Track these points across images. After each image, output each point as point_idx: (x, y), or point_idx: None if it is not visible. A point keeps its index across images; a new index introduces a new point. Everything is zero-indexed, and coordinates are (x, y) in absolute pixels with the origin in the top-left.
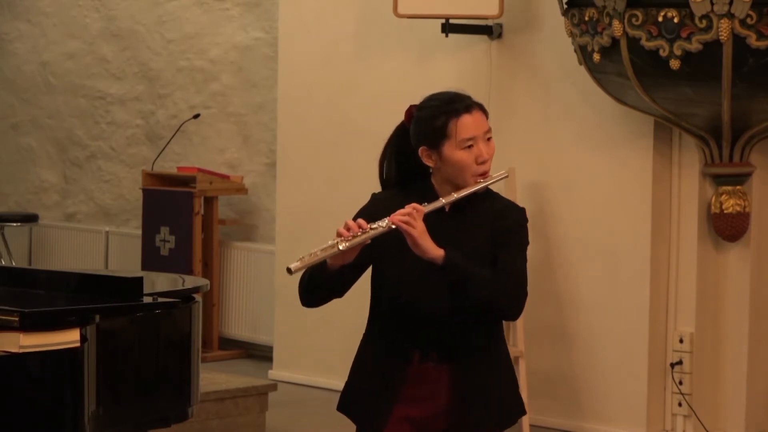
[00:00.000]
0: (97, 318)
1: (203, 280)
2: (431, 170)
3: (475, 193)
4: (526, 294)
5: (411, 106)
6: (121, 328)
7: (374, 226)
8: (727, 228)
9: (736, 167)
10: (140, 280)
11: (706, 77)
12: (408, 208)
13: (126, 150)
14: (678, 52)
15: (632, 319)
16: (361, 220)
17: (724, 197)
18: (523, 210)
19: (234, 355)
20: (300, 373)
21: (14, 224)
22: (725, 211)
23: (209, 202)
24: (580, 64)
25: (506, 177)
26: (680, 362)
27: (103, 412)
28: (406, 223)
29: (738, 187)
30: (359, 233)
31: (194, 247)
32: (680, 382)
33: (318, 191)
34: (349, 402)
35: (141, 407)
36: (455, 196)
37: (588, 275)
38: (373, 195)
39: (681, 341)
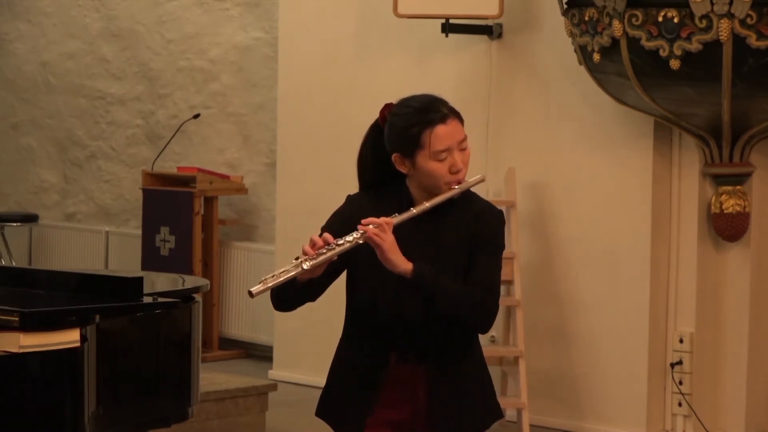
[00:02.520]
0: (97, 318)
1: (203, 280)
2: (406, 175)
3: (450, 198)
4: (497, 306)
5: (386, 106)
6: (121, 328)
7: (341, 241)
8: (727, 228)
9: (736, 167)
10: (140, 280)
11: (706, 77)
12: (377, 221)
13: (126, 150)
14: (678, 52)
15: (632, 319)
16: (327, 236)
17: (724, 197)
18: (500, 212)
19: (234, 355)
20: (300, 373)
21: (14, 224)
22: (725, 211)
23: (209, 202)
24: (580, 64)
25: (482, 181)
26: (680, 362)
27: (103, 412)
28: (375, 236)
29: (738, 187)
30: (325, 250)
31: (194, 247)
32: (680, 382)
33: (318, 191)
34: (327, 407)
35: (141, 407)
36: (427, 205)
37: (588, 275)
38: (349, 196)
39: (681, 341)
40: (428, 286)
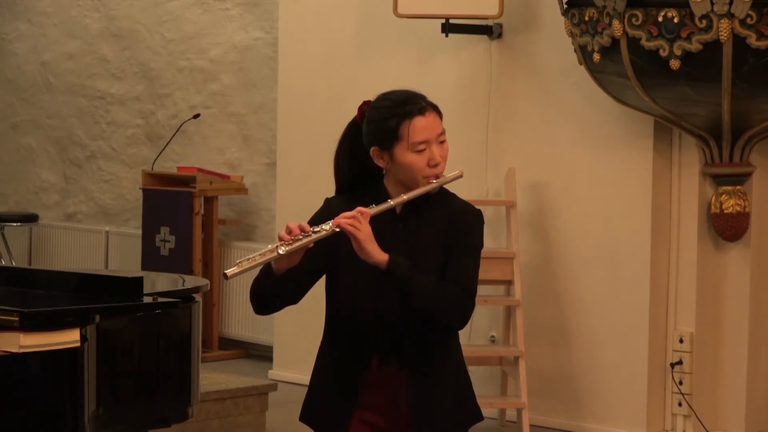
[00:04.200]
0: (97, 318)
1: (203, 280)
2: (384, 171)
3: (428, 194)
4: (473, 304)
5: (364, 103)
6: (121, 328)
7: (317, 229)
8: (727, 228)
9: (736, 167)
10: (140, 280)
11: (706, 77)
12: (354, 211)
13: (126, 150)
14: (678, 52)
15: (632, 319)
16: (303, 223)
17: (724, 197)
18: (478, 212)
19: (234, 355)
20: (300, 373)
21: (14, 224)
22: (725, 211)
23: (209, 202)
24: (580, 64)
25: (460, 177)
26: (680, 362)
27: (103, 412)
28: (351, 225)
29: (738, 187)
30: (301, 236)
31: (194, 247)
32: (680, 382)
33: (318, 191)
34: (310, 411)
35: (141, 407)
36: (404, 197)
37: (588, 275)
38: (327, 199)
39: (681, 341)
40: (403, 278)
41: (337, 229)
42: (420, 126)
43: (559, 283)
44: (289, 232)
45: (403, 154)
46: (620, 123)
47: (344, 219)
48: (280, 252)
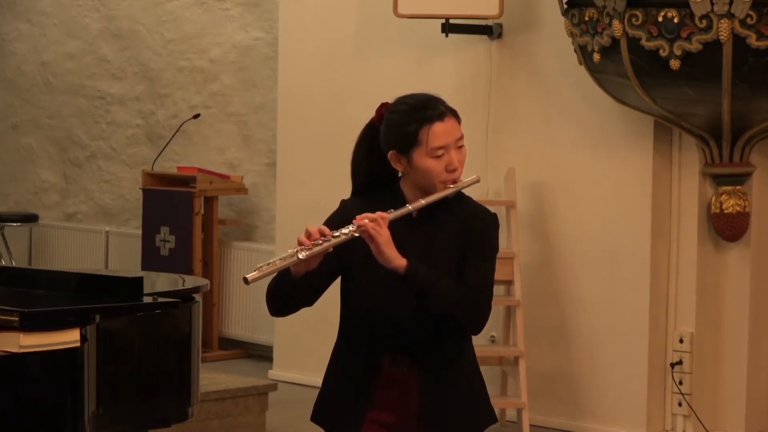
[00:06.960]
0: (97, 318)
1: (203, 280)
2: (400, 174)
3: (445, 197)
4: (489, 307)
5: (382, 105)
6: (121, 328)
7: (336, 234)
8: (727, 228)
9: (736, 167)
10: (140, 280)
11: (706, 77)
12: (373, 216)
13: (126, 150)
14: (678, 52)
15: (632, 319)
16: (323, 227)
17: (724, 197)
18: (494, 215)
19: (234, 355)
20: (300, 373)
21: (14, 224)
22: (725, 211)
23: (209, 202)
24: (580, 64)
25: (477, 182)
26: (680, 362)
27: (103, 412)
28: (371, 229)
29: (738, 187)
30: (321, 241)
31: (194, 247)
32: (680, 382)
33: (318, 191)
34: (321, 411)
35: (141, 407)
36: (423, 202)
37: (588, 275)
38: (343, 201)
39: (681, 341)
40: (422, 283)
41: (357, 234)
42: (439, 131)
43: (559, 283)
44: (309, 236)
45: (422, 159)
46: (620, 123)
47: (364, 223)
48: (300, 257)
